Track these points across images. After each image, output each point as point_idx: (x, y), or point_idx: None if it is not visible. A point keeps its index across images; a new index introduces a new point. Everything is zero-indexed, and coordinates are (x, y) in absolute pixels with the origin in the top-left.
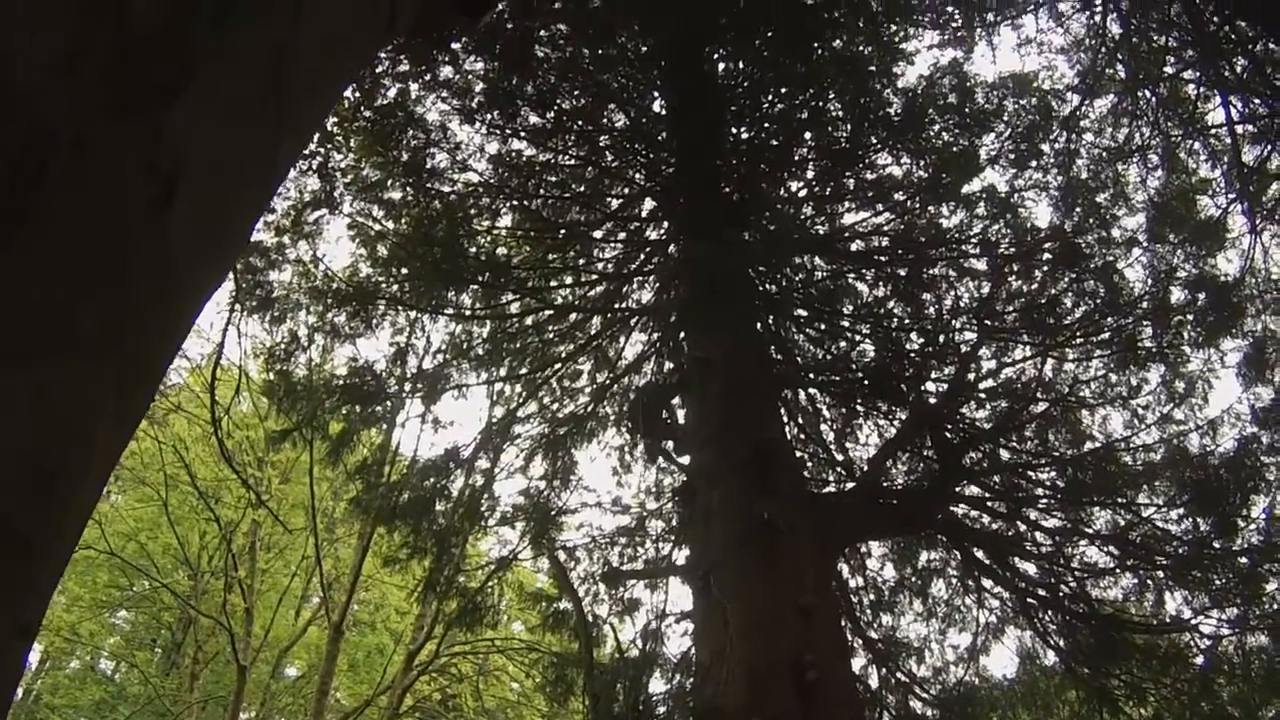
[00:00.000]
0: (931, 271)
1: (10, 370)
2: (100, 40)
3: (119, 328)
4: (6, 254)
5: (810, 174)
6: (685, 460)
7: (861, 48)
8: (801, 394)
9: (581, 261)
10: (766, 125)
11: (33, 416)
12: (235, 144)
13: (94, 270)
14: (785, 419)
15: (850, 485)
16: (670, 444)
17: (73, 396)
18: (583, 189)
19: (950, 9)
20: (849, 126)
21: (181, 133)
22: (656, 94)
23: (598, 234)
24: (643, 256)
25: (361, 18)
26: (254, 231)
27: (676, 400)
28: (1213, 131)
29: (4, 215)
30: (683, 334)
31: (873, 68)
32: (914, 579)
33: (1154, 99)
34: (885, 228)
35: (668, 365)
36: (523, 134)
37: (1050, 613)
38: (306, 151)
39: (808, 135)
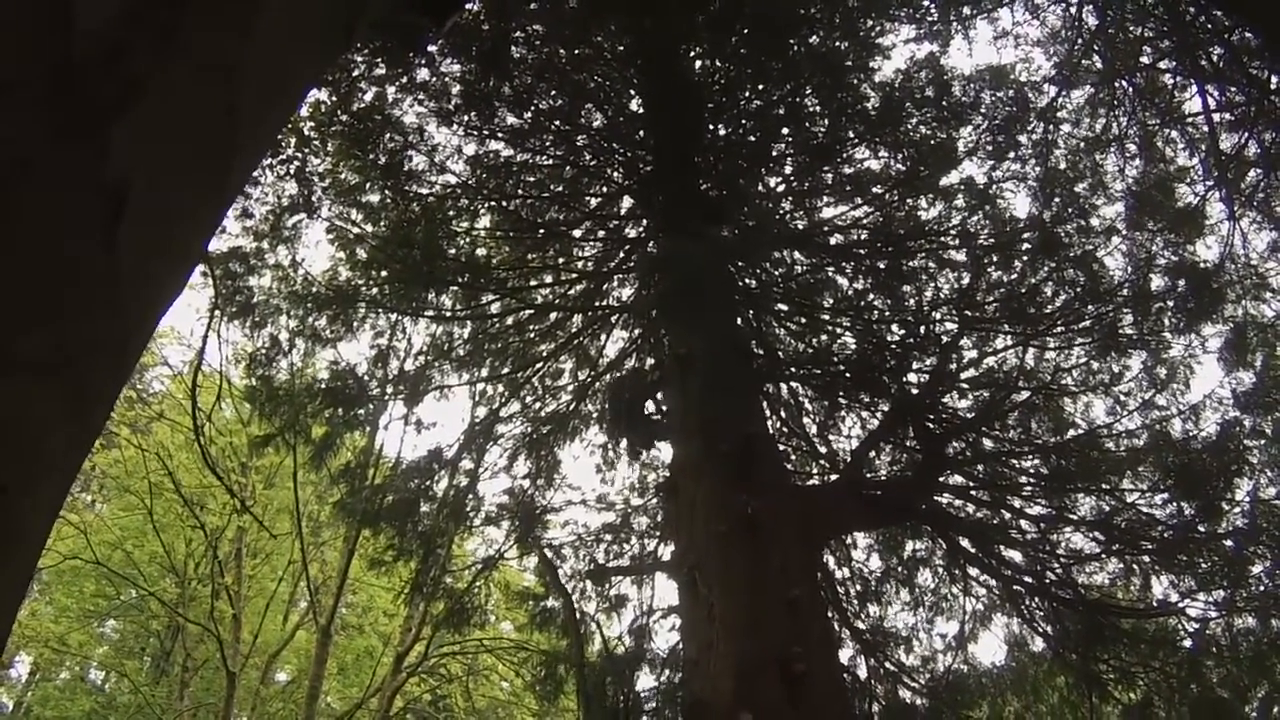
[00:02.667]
0: (911, 263)
1: None
2: (44, 61)
3: (66, 346)
4: None
5: (789, 169)
6: (668, 455)
7: (838, 43)
8: (783, 387)
9: (561, 260)
10: (744, 122)
11: None
12: (187, 159)
13: (40, 289)
14: (767, 413)
15: (834, 477)
16: (653, 439)
17: (19, 414)
18: (561, 188)
19: (926, 3)
20: (827, 121)
21: (130, 150)
22: (634, 93)
23: (577, 233)
24: (622, 254)
25: (317, 28)
26: (208, 243)
27: (659, 396)
28: (1190, 120)
29: None
30: (663, 330)
31: (849, 63)
32: (900, 569)
33: (1131, 89)
34: (864, 221)
35: (649, 361)
36: (500, 135)
37: (1037, 599)
38: (284, 156)
39: (785, 131)
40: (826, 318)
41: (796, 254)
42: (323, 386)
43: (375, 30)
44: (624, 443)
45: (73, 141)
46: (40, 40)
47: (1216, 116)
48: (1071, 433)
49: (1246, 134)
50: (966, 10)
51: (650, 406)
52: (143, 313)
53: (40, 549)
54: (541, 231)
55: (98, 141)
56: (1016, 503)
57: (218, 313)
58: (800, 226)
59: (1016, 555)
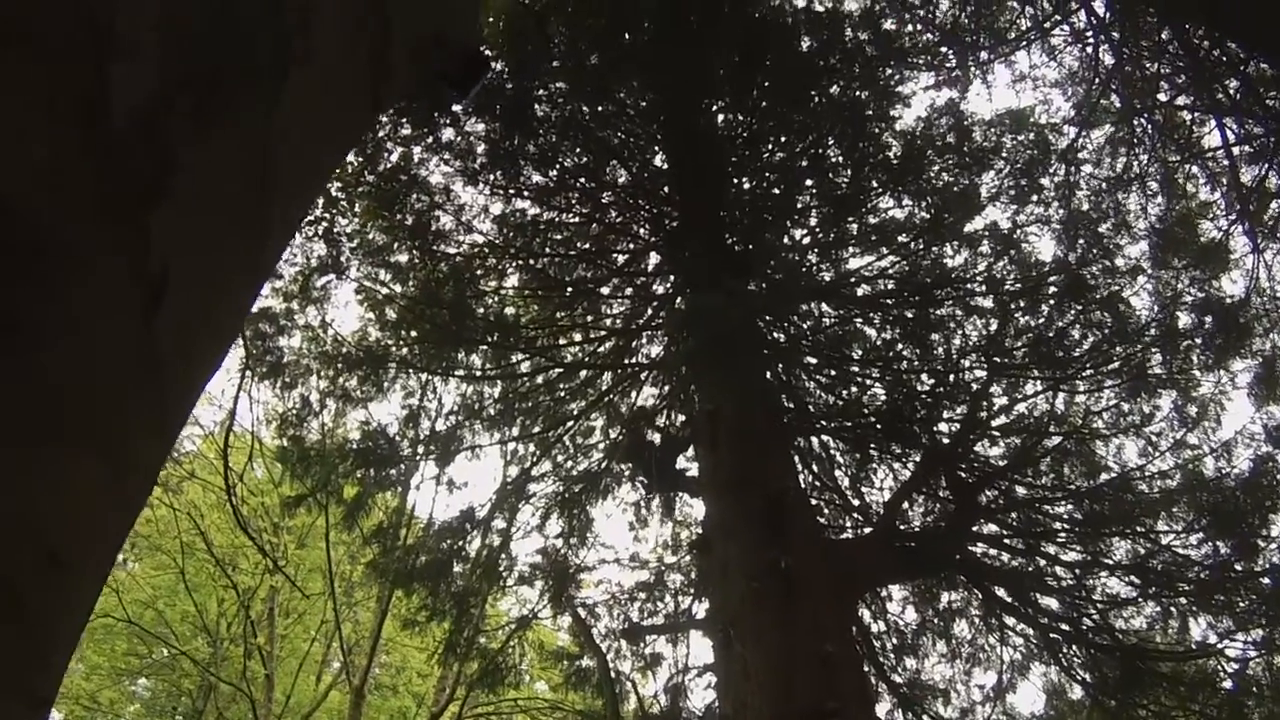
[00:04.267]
0: (938, 312)
1: (10, 461)
2: (82, 143)
3: (110, 423)
4: (2, 358)
5: (813, 221)
6: (700, 512)
7: (858, 93)
8: (814, 441)
9: (590, 318)
10: (768, 174)
11: (35, 502)
12: (223, 239)
13: (84, 372)
14: (799, 467)
15: (867, 530)
16: (684, 495)
17: (70, 484)
18: (588, 246)
19: (944, 49)
20: (849, 172)
21: (168, 234)
22: (657, 148)
23: (605, 290)
24: (650, 311)
25: (344, 101)
26: (245, 321)
27: (690, 453)
28: (1210, 154)
29: None
30: (693, 386)
31: (870, 112)
32: (935, 621)
33: (1150, 126)
34: (890, 271)
35: (679, 418)
36: (526, 193)
37: (1074, 647)
38: (312, 217)
39: (809, 182)
40: (856, 369)
41: (824, 306)
42: (354, 447)
43: (402, 100)
44: (651, 490)
45: (112, 223)
46: (78, 123)
47: (1236, 150)
48: (1104, 476)
49: (1267, 165)
50: (984, 55)
51: (682, 461)
52: (183, 391)
53: (89, 615)
54: (570, 290)
55: (137, 222)
56: (1051, 549)
57: (248, 373)
58: (827, 278)
59: (1053, 602)
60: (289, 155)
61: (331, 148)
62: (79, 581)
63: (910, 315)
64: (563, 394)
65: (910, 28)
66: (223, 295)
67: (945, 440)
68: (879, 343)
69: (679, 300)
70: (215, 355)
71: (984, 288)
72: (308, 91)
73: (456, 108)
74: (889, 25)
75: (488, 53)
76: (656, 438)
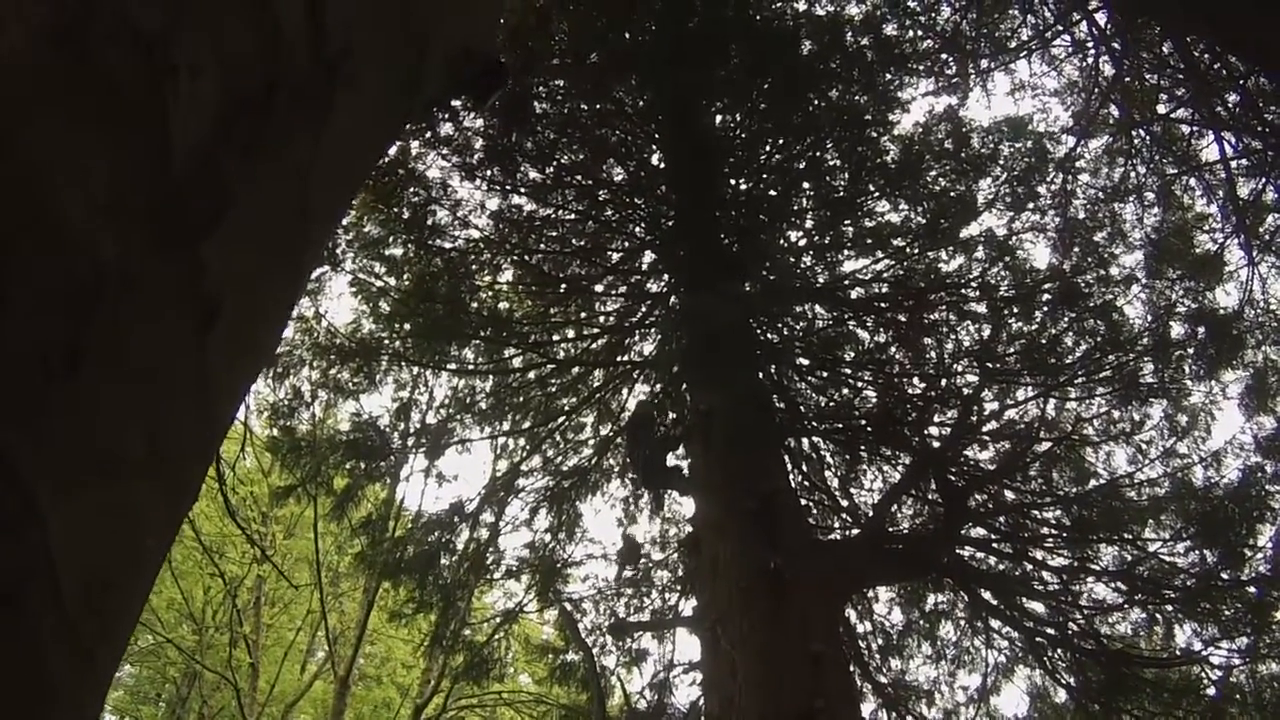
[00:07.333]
0: (932, 316)
1: (71, 495)
2: (144, 178)
3: (164, 447)
4: (65, 387)
5: (809, 223)
6: (689, 510)
7: (857, 97)
8: (805, 442)
9: (583, 315)
10: (765, 176)
11: (93, 537)
12: (268, 262)
13: (143, 398)
14: (789, 467)
15: (856, 531)
16: (671, 483)
17: (127, 514)
18: (583, 243)
19: (944, 56)
20: (847, 175)
21: (220, 261)
22: (655, 147)
23: (599, 287)
24: (644, 309)
25: (379, 122)
26: (281, 336)
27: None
28: (1207, 167)
29: (63, 351)
30: (685, 385)
31: (869, 116)
32: (922, 622)
33: (1148, 138)
34: (885, 274)
35: (670, 416)
36: (523, 189)
37: (1059, 650)
38: None
39: (806, 185)
40: (848, 372)
41: (817, 308)
42: (344, 438)
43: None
44: (643, 484)
45: (171, 254)
46: (139, 152)
47: (1234, 163)
48: (1093, 483)
49: (1263, 179)
50: (984, 63)
51: (672, 459)
52: (227, 405)
53: (132, 630)
54: (564, 286)
55: (193, 253)
56: (1038, 554)
57: None
58: (821, 280)
59: (1039, 606)
60: (327, 176)
61: (364, 164)
62: (128, 605)
63: (903, 319)
64: (554, 390)
65: (911, 33)
66: (265, 313)
67: (935, 444)
68: (871, 346)
69: (673, 299)
70: (254, 373)
71: (978, 293)
72: (349, 116)
73: (456, 102)
74: (890, 31)
75: (504, 61)
76: (649, 434)
